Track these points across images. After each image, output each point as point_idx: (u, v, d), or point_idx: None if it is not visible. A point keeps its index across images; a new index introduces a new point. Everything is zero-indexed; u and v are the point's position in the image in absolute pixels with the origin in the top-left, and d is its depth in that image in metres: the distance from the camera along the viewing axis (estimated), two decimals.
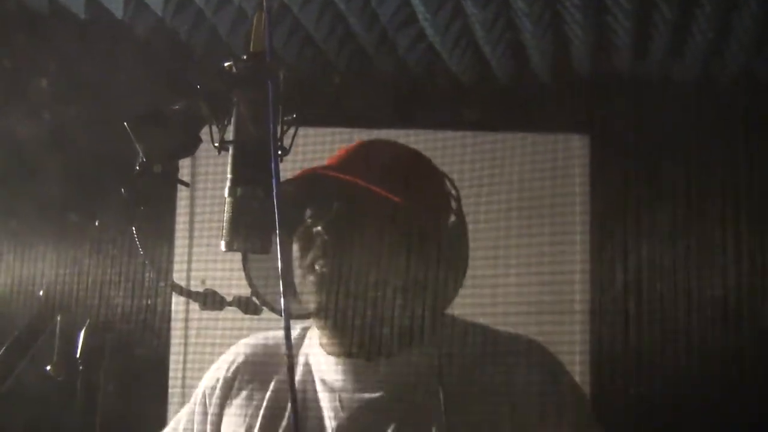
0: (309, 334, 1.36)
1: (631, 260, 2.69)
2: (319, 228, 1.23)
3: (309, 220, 1.26)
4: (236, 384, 1.35)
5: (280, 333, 1.36)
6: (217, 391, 1.35)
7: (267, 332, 1.40)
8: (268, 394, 1.30)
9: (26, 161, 2.32)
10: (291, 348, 1.03)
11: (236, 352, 1.40)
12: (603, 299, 2.70)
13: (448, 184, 1.33)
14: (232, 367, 1.37)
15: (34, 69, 2.40)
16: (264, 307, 1.19)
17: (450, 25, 2.29)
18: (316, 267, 1.22)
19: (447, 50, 2.44)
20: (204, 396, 1.37)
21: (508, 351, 1.28)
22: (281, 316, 1.16)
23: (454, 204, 1.31)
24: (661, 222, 2.69)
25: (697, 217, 2.68)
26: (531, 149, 2.71)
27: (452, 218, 1.30)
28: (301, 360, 1.33)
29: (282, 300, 1.02)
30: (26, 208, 2.32)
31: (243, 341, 1.41)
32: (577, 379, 2.60)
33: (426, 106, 2.72)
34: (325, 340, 1.30)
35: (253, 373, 1.34)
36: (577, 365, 2.66)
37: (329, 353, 1.29)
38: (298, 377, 1.30)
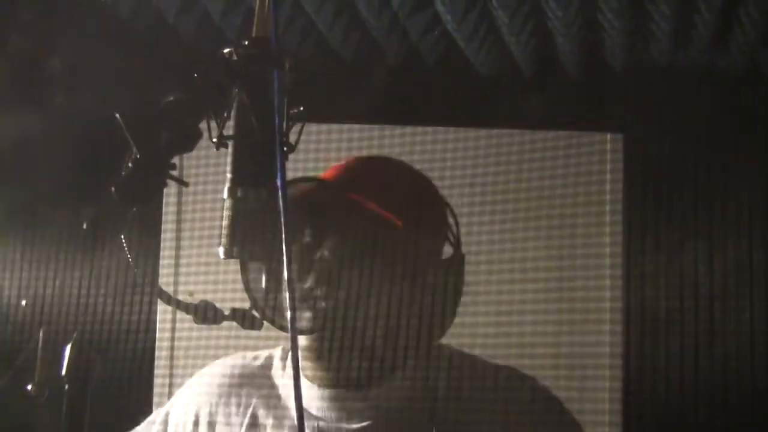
0: (277, 362, 1.40)
1: (670, 277, 2.69)
2: (324, 252, 1.27)
3: (309, 239, 1.29)
4: (212, 410, 1.37)
5: (252, 353, 1.42)
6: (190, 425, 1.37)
7: (237, 354, 1.44)
8: (247, 419, 1.34)
9: (4, 158, 2.34)
10: (298, 368, 1.04)
11: (210, 373, 1.42)
12: (637, 319, 2.70)
13: (449, 214, 1.39)
14: (208, 391, 1.39)
15: (6, 56, 2.41)
16: (265, 322, 1.20)
17: (469, 10, 2.30)
18: (317, 293, 1.27)
19: (465, 38, 2.45)
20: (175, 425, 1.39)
21: (500, 384, 1.36)
22: (285, 331, 1.18)
23: (452, 237, 1.37)
24: (705, 233, 2.68)
25: (746, 228, 2.68)
26: (557, 150, 2.72)
27: (450, 251, 1.38)
28: (275, 384, 1.37)
29: (288, 314, 1.02)
30: (5, 209, 2.33)
31: (219, 362, 1.45)
32: (606, 406, 2.62)
33: (440, 100, 2.73)
34: (305, 364, 1.33)
35: (229, 396, 1.38)
36: (606, 403, 2.65)
37: (306, 378, 1.33)
38: (268, 405, 1.34)
